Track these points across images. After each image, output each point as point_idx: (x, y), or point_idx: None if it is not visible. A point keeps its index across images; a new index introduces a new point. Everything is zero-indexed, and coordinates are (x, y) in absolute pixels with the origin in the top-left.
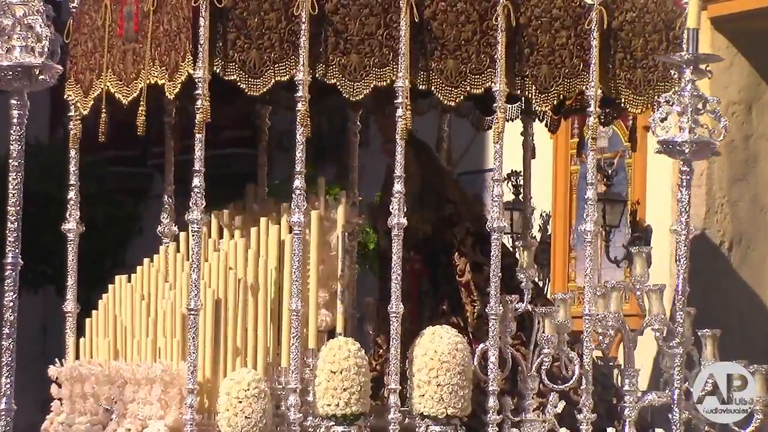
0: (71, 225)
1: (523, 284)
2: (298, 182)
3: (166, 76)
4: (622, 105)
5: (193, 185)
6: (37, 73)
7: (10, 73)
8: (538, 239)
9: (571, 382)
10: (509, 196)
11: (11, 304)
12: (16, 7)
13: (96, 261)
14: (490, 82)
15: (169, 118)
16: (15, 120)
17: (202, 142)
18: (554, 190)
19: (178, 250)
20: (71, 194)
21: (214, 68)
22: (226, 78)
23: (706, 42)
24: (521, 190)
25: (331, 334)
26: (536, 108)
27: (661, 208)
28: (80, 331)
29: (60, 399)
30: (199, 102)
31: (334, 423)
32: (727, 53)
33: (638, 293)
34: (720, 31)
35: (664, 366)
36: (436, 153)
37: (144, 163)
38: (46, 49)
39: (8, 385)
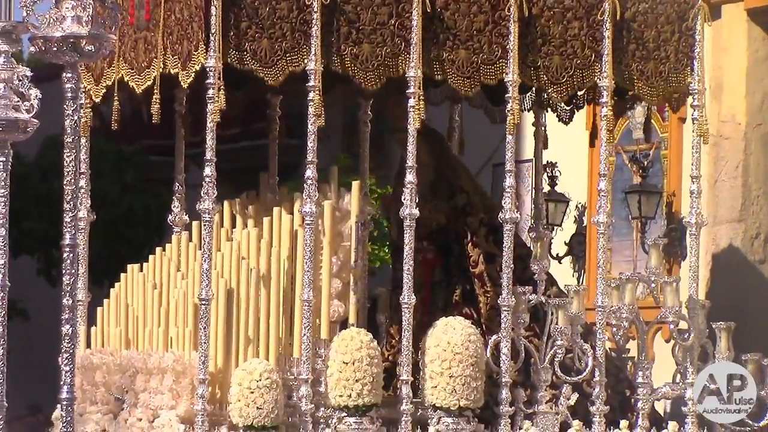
0: (82, 213)
1: (536, 275)
2: (310, 172)
3: (179, 65)
4: (635, 96)
5: (204, 175)
6: (23, 126)
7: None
8: (575, 230)
9: (584, 374)
10: (545, 187)
11: (68, 288)
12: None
13: (135, 249)
14: (502, 73)
15: (180, 107)
16: (69, 94)
17: (213, 132)
18: (590, 181)
19: (190, 239)
20: (82, 182)
21: (227, 58)
22: (239, 67)
23: (742, 33)
24: (557, 182)
25: (344, 324)
26: (549, 98)
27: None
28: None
29: None
30: (210, 91)
31: (346, 414)
32: (763, 45)
33: (653, 285)
34: (756, 22)
35: (677, 358)
36: (449, 143)
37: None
38: (35, 107)
39: None
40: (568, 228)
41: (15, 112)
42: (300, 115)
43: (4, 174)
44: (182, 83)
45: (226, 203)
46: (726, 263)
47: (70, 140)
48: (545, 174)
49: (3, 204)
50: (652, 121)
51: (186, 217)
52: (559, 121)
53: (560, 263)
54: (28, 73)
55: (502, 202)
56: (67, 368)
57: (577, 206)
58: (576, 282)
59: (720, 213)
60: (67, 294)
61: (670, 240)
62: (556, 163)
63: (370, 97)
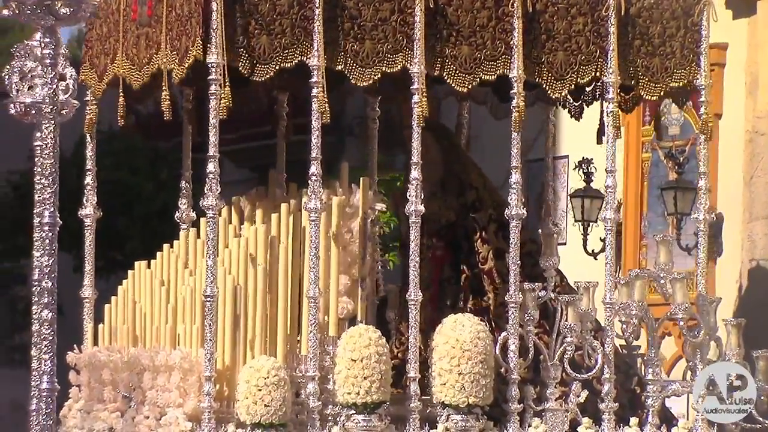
0: (88, 210)
1: (545, 272)
2: (314, 168)
3: (176, 61)
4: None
5: (207, 171)
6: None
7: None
8: None
9: (594, 371)
10: (580, 183)
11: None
12: (37, 50)
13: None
14: (503, 69)
15: (186, 104)
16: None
17: (216, 128)
18: (625, 177)
19: (198, 236)
20: (88, 179)
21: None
22: (234, 65)
23: None
24: (592, 178)
25: (353, 321)
26: (551, 95)
27: (733, 195)
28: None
29: (78, 385)
30: (213, 87)
31: (354, 411)
32: None
33: (662, 281)
34: None
35: (688, 355)
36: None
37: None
38: (71, 87)
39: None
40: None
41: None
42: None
43: (47, 161)
44: (175, 79)
45: (234, 199)
46: (762, 259)
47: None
48: (579, 170)
49: (48, 193)
50: (687, 116)
51: (193, 214)
52: (571, 117)
53: (596, 259)
54: (65, 51)
55: (509, 199)
56: (47, 356)
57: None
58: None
59: (756, 209)
60: (45, 276)
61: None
62: (591, 159)
63: (378, 94)
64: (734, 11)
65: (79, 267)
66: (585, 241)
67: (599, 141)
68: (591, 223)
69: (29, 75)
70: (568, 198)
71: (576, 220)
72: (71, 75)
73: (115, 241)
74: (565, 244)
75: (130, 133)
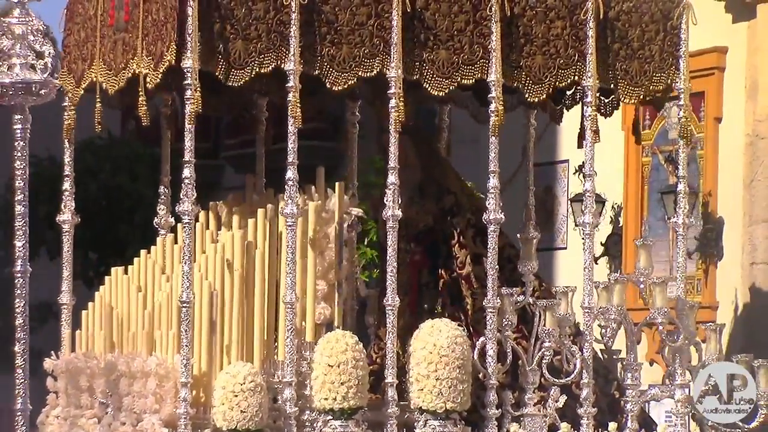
0: (66, 216)
1: (524, 277)
2: (290, 173)
3: (151, 66)
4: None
5: (183, 176)
6: (38, 89)
7: (12, 89)
8: (611, 231)
9: (572, 376)
10: (581, 188)
11: (21, 310)
12: (15, 27)
13: None
14: (482, 73)
15: (165, 108)
16: (18, 135)
17: (192, 133)
18: (626, 181)
19: (176, 241)
20: (66, 185)
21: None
22: (209, 70)
23: None
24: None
25: (330, 327)
26: (529, 99)
27: (734, 199)
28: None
29: (56, 392)
30: (188, 92)
31: (331, 417)
32: None
33: (642, 286)
34: None
35: (667, 360)
36: (438, 144)
37: (216, 155)
38: (49, 66)
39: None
40: (604, 228)
41: (30, 71)
42: (336, 118)
43: (22, 143)
44: (149, 84)
45: (212, 205)
46: (763, 262)
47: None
48: (579, 174)
49: (21, 177)
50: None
51: (172, 220)
52: (551, 121)
53: (596, 263)
54: (42, 27)
55: (486, 203)
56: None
57: (613, 207)
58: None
59: (755, 212)
60: (19, 316)
61: (706, 240)
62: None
63: (357, 99)
64: (734, 15)
65: (81, 273)
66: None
67: (580, 145)
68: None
69: (7, 54)
70: (569, 202)
71: (576, 225)
72: (49, 53)
73: (116, 248)
74: (565, 248)
75: (131, 140)
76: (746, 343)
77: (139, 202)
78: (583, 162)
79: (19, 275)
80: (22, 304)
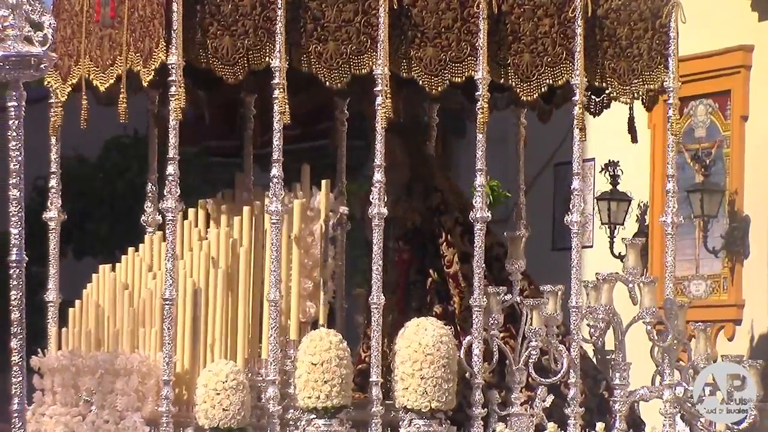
0: (53, 214)
1: (512, 275)
2: (275, 170)
3: (141, 62)
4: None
5: (167, 173)
6: (36, 63)
7: (5, 63)
8: (636, 229)
9: (559, 375)
10: (607, 186)
11: (17, 302)
12: None
13: None
14: (470, 71)
15: (152, 106)
16: (13, 113)
17: (176, 130)
18: (652, 180)
19: (164, 239)
20: (52, 182)
21: (188, 56)
22: (199, 66)
23: None
24: (619, 181)
25: (315, 325)
26: (522, 97)
27: (760, 197)
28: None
29: (42, 390)
30: (173, 89)
31: (314, 416)
32: None
33: (631, 285)
34: None
35: (656, 360)
36: (426, 142)
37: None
38: (49, 38)
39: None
40: (630, 227)
41: (27, 44)
42: (361, 116)
43: (17, 121)
44: (143, 81)
45: (200, 203)
46: None
47: (16, 167)
48: (606, 173)
49: (16, 159)
50: (713, 119)
51: (159, 218)
52: (539, 120)
53: (622, 262)
54: None
55: (474, 201)
56: (17, 380)
57: (639, 205)
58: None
59: None
60: (15, 309)
61: (732, 239)
62: (617, 161)
63: (346, 96)
64: (760, 13)
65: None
66: (612, 243)
67: (634, 140)
68: (618, 226)
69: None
70: (595, 201)
71: (603, 223)
72: (50, 24)
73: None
74: (591, 246)
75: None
76: None
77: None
78: (609, 160)
79: (14, 265)
80: (18, 296)
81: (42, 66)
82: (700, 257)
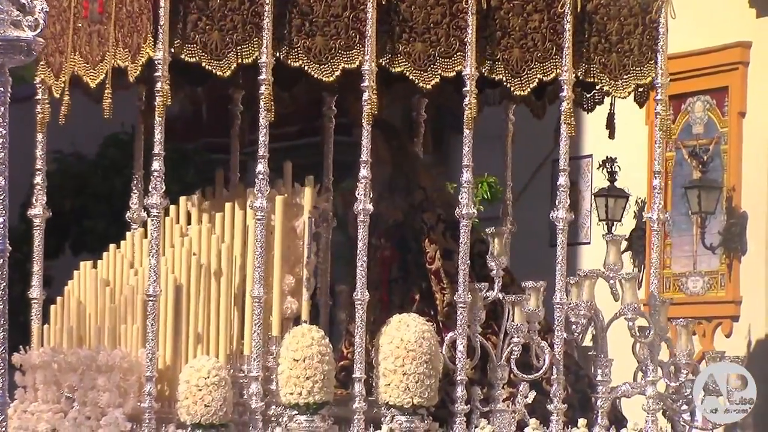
0: (37, 210)
1: (493, 272)
2: (261, 167)
3: (129, 58)
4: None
5: (152, 169)
6: (25, 48)
7: None
8: (634, 225)
9: (541, 371)
10: (604, 183)
11: (1, 294)
12: None
13: None
14: (459, 66)
15: (139, 102)
16: None
17: (162, 125)
18: (649, 176)
19: (146, 236)
20: (38, 179)
21: (177, 51)
22: (187, 60)
23: None
24: (616, 177)
25: (298, 321)
26: (514, 93)
27: (758, 194)
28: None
29: (24, 387)
30: (158, 84)
31: (296, 412)
32: None
33: (612, 282)
34: None
35: (638, 356)
36: (414, 138)
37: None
38: (40, 22)
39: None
40: (628, 223)
41: (15, 29)
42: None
43: (2, 108)
44: (130, 77)
45: (182, 199)
46: None
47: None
48: (603, 169)
49: (2, 145)
50: (711, 115)
51: (144, 214)
52: (533, 115)
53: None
54: None
55: (459, 198)
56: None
57: (636, 201)
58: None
59: None
60: None
61: (730, 235)
62: (615, 158)
63: (334, 92)
64: (758, 9)
65: None
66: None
67: (611, 136)
68: (615, 222)
69: None
70: (592, 197)
71: (600, 220)
72: (41, 8)
73: None
74: (589, 243)
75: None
76: None
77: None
78: (607, 157)
79: None
80: (1, 287)
81: (32, 51)
82: (698, 254)
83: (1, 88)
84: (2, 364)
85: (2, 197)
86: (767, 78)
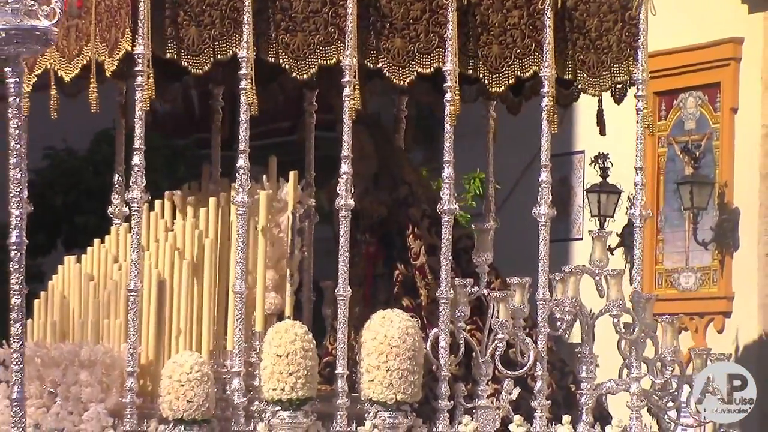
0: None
1: (477, 268)
2: (242, 161)
3: (106, 52)
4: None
5: (132, 164)
6: (40, 37)
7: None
8: (627, 222)
9: (525, 368)
10: (597, 179)
11: (17, 286)
12: None
13: None
14: (439, 62)
15: (120, 98)
16: (13, 90)
17: (142, 120)
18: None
19: (129, 230)
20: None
21: (154, 46)
22: (165, 56)
23: None
24: (609, 173)
25: (281, 317)
26: (491, 89)
27: (750, 189)
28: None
29: (7, 381)
30: (139, 79)
31: (279, 408)
32: None
33: (597, 278)
34: None
35: (623, 353)
36: (396, 134)
37: (230, 146)
38: (57, 12)
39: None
40: (621, 219)
41: (30, 18)
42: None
43: (18, 99)
44: (107, 71)
45: (167, 194)
46: None
47: (18, 146)
48: (596, 165)
49: (17, 137)
50: (703, 111)
51: (126, 209)
52: (508, 112)
53: (612, 254)
54: None
55: (441, 193)
56: (17, 367)
57: (629, 197)
58: (628, 273)
59: None
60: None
61: (722, 231)
62: (607, 154)
63: (314, 88)
64: (750, 5)
65: None
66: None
67: (602, 132)
68: (608, 218)
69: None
70: (585, 193)
71: (592, 215)
72: None
73: None
74: (581, 239)
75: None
76: (762, 333)
77: (157, 194)
78: (599, 153)
79: (14, 248)
80: (19, 280)
81: (49, 41)
82: (690, 249)
83: (16, 79)
84: (18, 358)
85: (19, 190)
86: (759, 74)
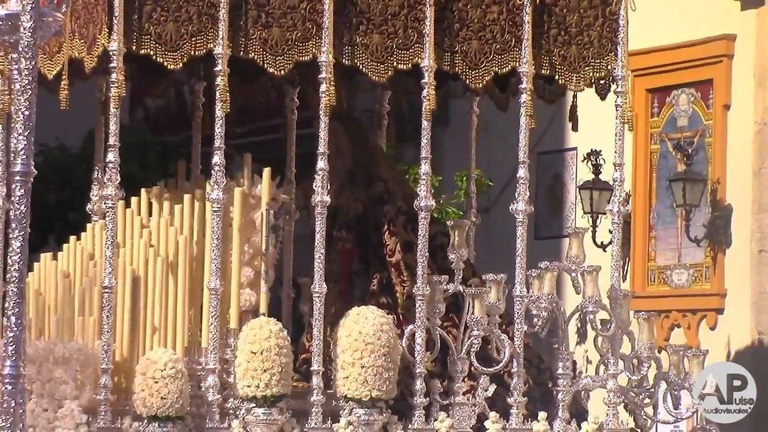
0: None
1: (454, 264)
2: (217, 158)
3: (85, 49)
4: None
5: (107, 161)
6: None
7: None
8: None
9: (501, 364)
10: (589, 175)
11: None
12: None
13: None
14: (417, 58)
15: (99, 94)
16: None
17: (117, 116)
18: (634, 169)
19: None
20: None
21: (129, 42)
22: (141, 52)
23: None
24: (601, 170)
25: (257, 314)
26: (469, 85)
27: (742, 186)
28: None
29: None
30: (113, 76)
31: (254, 405)
32: None
33: (573, 275)
34: None
35: (600, 349)
36: (378, 130)
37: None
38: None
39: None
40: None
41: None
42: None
43: (31, 87)
44: (86, 68)
45: (143, 191)
46: None
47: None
48: (588, 162)
49: (25, 116)
50: (696, 108)
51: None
52: (497, 108)
53: (604, 251)
54: None
55: (418, 190)
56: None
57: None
58: (621, 270)
59: (764, 200)
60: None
61: (715, 228)
62: (600, 150)
63: (294, 83)
64: (743, 2)
65: None
66: (594, 233)
67: (575, 128)
68: (600, 215)
69: None
70: (577, 190)
71: (585, 212)
72: None
73: None
74: None
75: (140, 128)
76: (754, 330)
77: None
78: (591, 150)
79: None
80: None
81: (56, 30)
82: (683, 246)
83: (31, 65)
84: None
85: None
86: (751, 71)
